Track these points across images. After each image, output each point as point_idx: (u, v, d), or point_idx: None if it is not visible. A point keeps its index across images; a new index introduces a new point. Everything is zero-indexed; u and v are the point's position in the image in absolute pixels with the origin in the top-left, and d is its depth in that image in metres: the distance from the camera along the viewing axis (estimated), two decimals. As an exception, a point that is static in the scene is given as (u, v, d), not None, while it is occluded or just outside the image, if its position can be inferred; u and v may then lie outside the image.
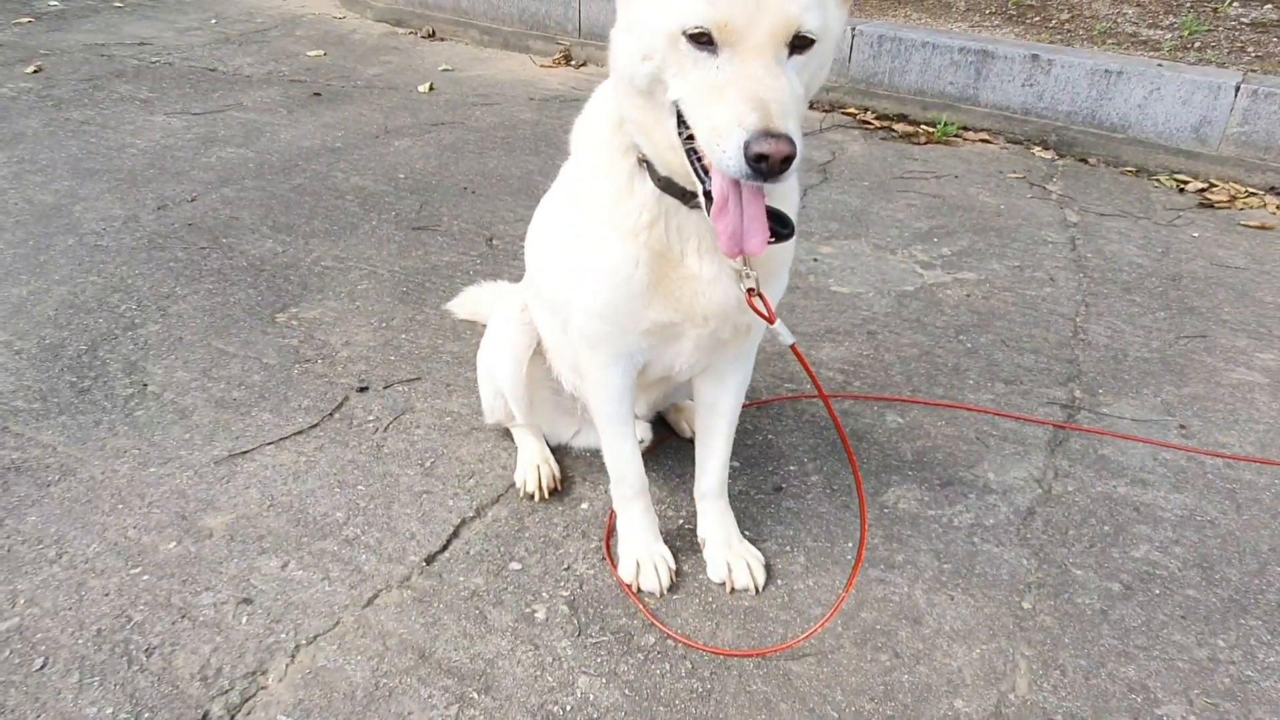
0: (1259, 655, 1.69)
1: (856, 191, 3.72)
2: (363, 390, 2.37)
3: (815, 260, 3.14)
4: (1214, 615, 1.77)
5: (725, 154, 1.20)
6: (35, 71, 4.84)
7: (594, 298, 1.58)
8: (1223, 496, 2.09)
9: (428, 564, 1.83)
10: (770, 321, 1.50)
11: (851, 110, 4.60)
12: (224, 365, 2.44)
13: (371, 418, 2.27)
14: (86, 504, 1.95)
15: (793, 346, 1.55)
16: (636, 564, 1.80)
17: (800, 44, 1.24)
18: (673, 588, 1.79)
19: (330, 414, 2.27)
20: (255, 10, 6.27)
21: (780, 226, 1.41)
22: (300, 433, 2.20)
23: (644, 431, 2.14)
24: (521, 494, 2.02)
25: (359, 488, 2.03)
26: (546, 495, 2.02)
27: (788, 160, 1.18)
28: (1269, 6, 4.89)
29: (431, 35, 5.75)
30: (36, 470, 2.05)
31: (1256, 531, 1.99)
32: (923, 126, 4.40)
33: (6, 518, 1.91)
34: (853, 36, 4.59)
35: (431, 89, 4.80)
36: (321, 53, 5.37)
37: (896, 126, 4.43)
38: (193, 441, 2.15)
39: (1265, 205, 3.72)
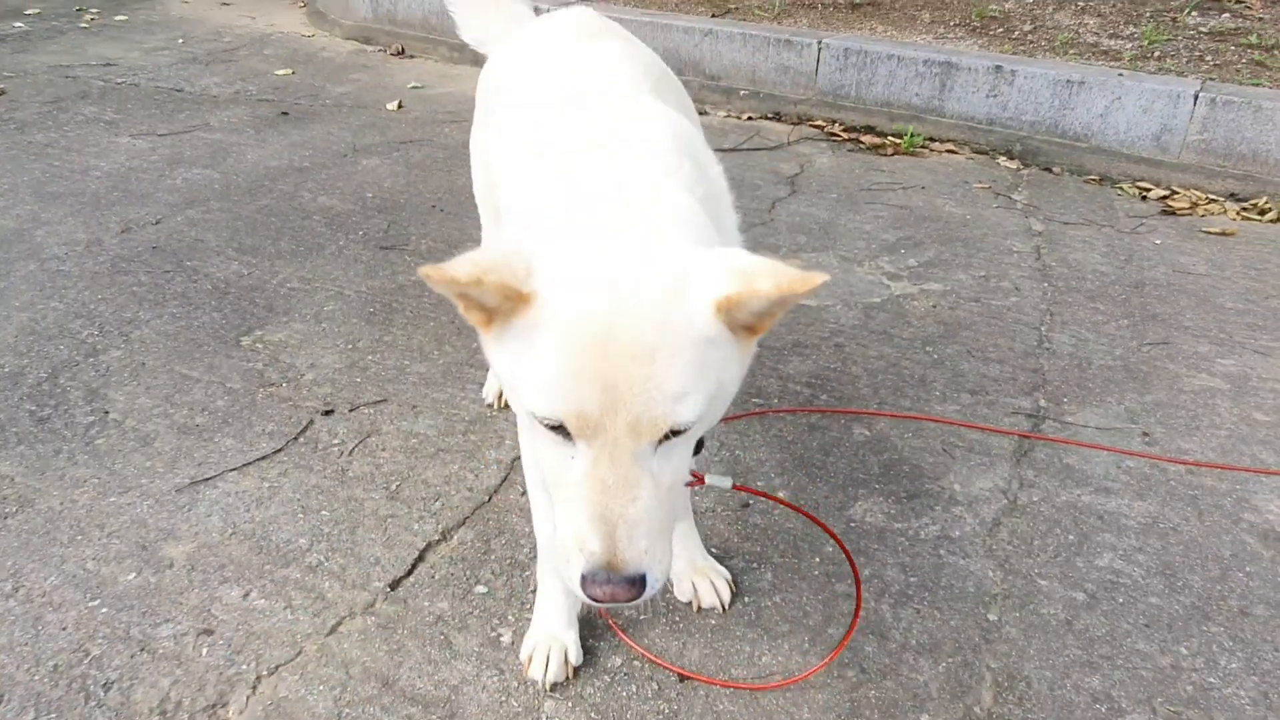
0: (1221, 662, 1.70)
1: (824, 204, 3.74)
2: (328, 413, 2.35)
3: (783, 273, 3.15)
4: (1177, 623, 1.78)
5: (569, 575, 1.05)
6: (-2, 94, 4.79)
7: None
8: (1185, 503, 2.11)
9: (392, 589, 1.81)
10: (699, 483, 1.42)
11: (819, 122, 4.63)
12: (187, 391, 2.42)
13: (336, 441, 2.25)
14: (44, 535, 1.92)
15: (736, 486, 1.46)
16: (533, 646, 1.63)
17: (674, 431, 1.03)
18: (558, 686, 1.61)
19: (295, 438, 2.25)
20: (223, 29, 6.24)
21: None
22: (264, 458, 2.18)
23: None
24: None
25: (323, 513, 2.01)
26: (502, 405, 2.35)
27: (633, 598, 1.03)
28: (1226, 15, 4.98)
29: (401, 53, 5.75)
30: (-7, 502, 2.02)
31: (1218, 538, 2.01)
32: (889, 138, 4.44)
33: (-38, 551, 1.88)
34: (819, 50, 4.63)
35: (400, 106, 4.79)
36: (290, 71, 5.35)
37: (864, 138, 4.46)
38: (154, 469, 2.13)
39: (1225, 211, 3.77)
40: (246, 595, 1.78)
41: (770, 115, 4.73)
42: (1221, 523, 2.05)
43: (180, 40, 5.95)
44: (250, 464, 2.16)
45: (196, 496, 2.04)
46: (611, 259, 1.05)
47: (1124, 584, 1.88)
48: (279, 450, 2.21)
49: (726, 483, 1.48)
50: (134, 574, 1.83)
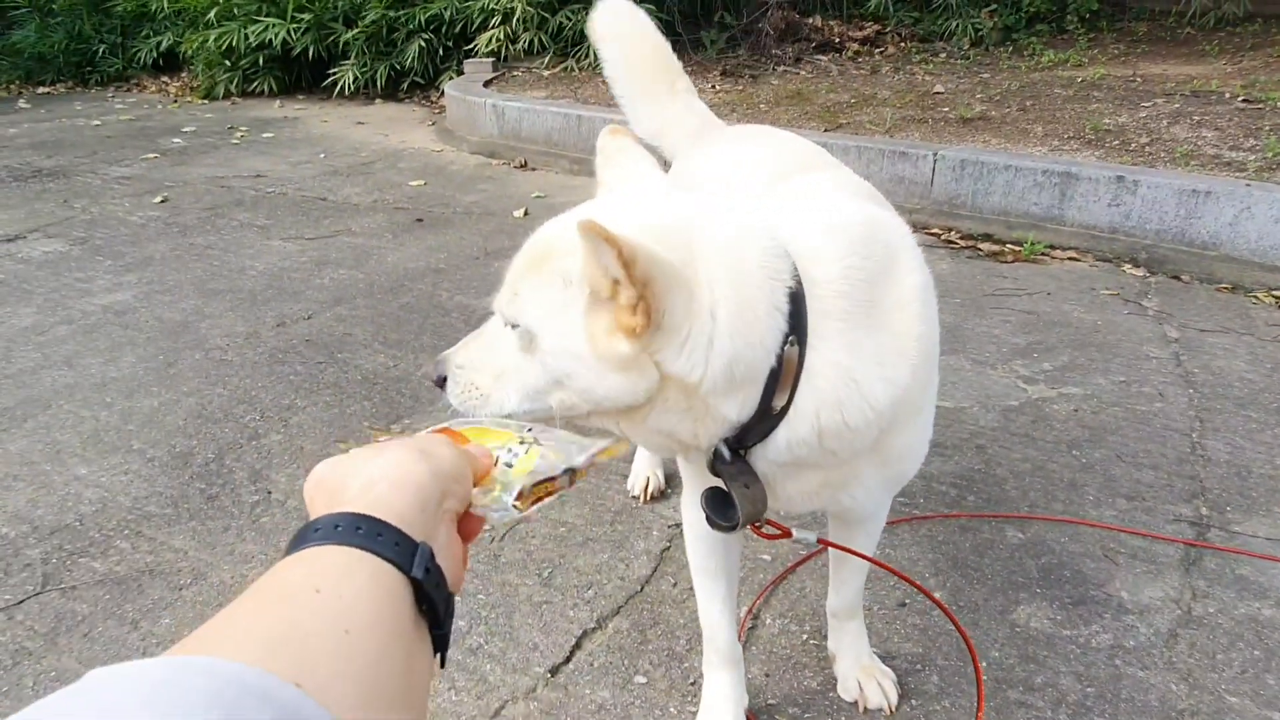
0: None
1: (949, 308, 3.74)
2: (477, 500, 2.41)
3: (914, 375, 3.13)
4: (1392, 751, 1.65)
5: None
6: (162, 201, 5.23)
7: None
8: (1380, 622, 1.97)
9: (552, 675, 1.82)
10: (785, 536, 1.34)
11: (935, 230, 4.67)
12: (343, 474, 2.52)
13: (488, 526, 2.29)
14: (218, 607, 1.98)
15: (821, 541, 1.43)
16: None
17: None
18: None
19: (447, 523, 2.31)
20: (360, 146, 6.72)
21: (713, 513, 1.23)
22: (419, 540, 2.24)
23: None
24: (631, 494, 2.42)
25: (479, 597, 2.05)
26: (648, 498, 2.39)
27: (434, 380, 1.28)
28: (1355, 126, 4.89)
29: (523, 166, 6.08)
30: (169, 574, 2.12)
31: None
32: (1008, 245, 4.44)
33: (142, 620, 1.97)
34: (935, 161, 4.71)
35: (526, 214, 5.03)
36: (422, 182, 5.70)
37: (982, 245, 4.47)
38: (317, 547, 2.20)
39: (1376, 321, 3.62)
40: (412, 673, 1.81)
41: (884, 223, 4.80)
42: None
43: (322, 155, 6.42)
44: (407, 546, 2.21)
45: (359, 575, 2.10)
46: None
47: (1325, 706, 1.75)
48: (433, 533, 2.27)
49: (811, 537, 1.41)
50: (304, 647, 1.88)
